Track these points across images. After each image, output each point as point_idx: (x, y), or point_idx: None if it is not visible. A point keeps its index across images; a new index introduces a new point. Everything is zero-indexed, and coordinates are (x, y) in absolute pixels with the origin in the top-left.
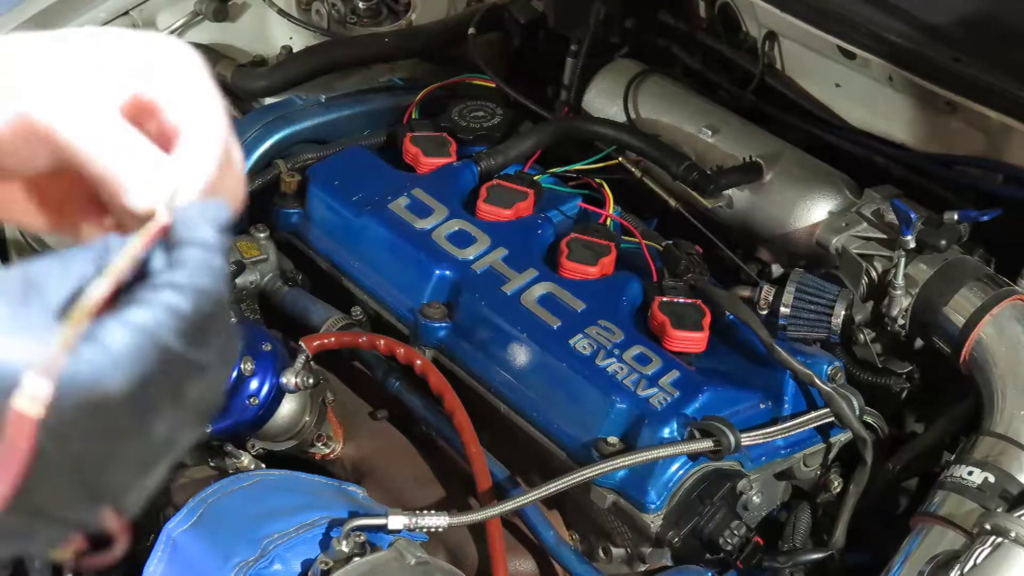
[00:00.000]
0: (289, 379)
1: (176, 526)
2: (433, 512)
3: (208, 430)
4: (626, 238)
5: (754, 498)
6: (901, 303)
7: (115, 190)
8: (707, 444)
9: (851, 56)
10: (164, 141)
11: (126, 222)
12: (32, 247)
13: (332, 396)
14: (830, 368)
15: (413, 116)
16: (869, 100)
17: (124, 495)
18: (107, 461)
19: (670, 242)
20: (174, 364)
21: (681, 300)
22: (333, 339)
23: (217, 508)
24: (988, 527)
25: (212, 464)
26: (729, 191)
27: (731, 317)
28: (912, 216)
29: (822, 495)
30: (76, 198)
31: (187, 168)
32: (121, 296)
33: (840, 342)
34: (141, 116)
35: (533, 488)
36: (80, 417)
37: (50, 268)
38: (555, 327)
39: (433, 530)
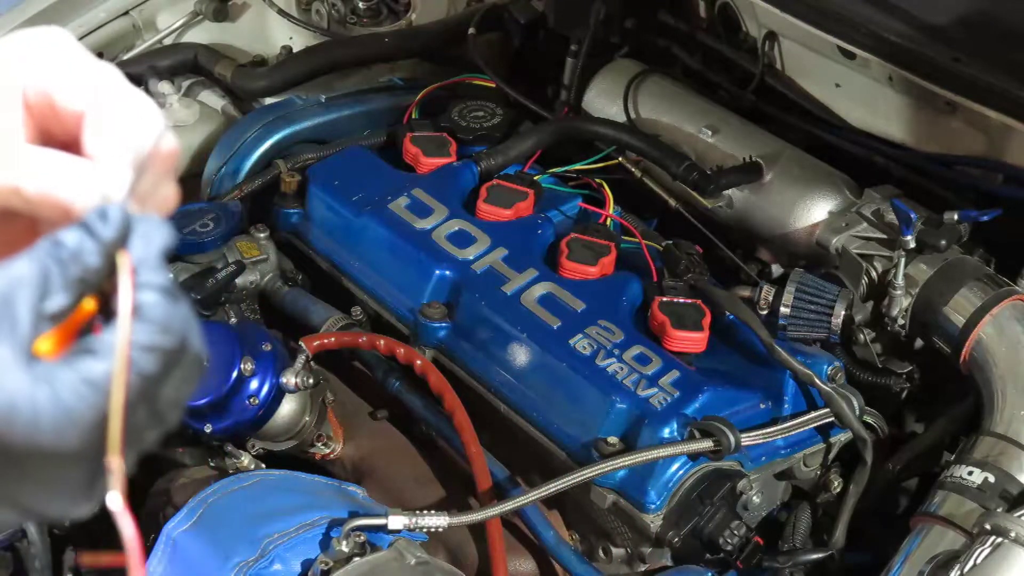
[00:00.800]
0: (289, 379)
1: (176, 526)
2: (433, 512)
3: (208, 430)
4: (626, 238)
5: (754, 498)
6: (901, 303)
7: (60, 218)
8: (707, 444)
9: (851, 56)
10: (72, 132)
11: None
12: None
13: (332, 396)
14: (830, 368)
15: (413, 116)
16: (869, 100)
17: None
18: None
19: (670, 242)
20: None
21: (681, 300)
22: (333, 339)
23: (217, 508)
24: (988, 527)
25: (212, 464)
26: (729, 191)
27: (731, 317)
28: (912, 216)
29: (822, 495)
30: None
31: (107, 157)
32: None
33: (840, 342)
34: (45, 121)
35: (533, 488)
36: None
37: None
38: (555, 327)
39: (433, 530)
